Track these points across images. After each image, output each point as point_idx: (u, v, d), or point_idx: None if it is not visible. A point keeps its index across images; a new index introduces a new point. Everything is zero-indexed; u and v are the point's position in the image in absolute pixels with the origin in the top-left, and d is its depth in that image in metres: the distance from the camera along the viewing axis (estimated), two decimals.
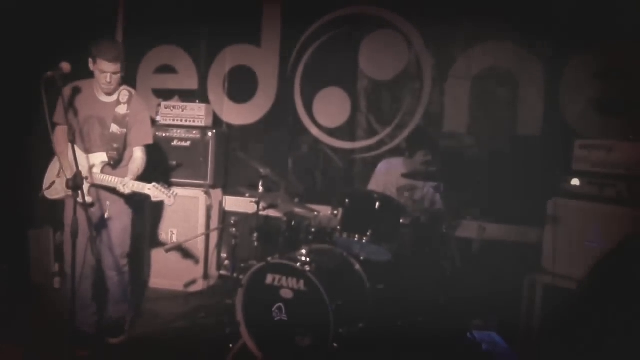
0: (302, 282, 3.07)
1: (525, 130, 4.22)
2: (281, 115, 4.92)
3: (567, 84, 4.09)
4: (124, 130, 3.23)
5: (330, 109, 4.77)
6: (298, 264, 3.12)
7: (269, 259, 3.22)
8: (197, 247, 4.54)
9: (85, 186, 3.10)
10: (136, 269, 3.76)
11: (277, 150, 4.94)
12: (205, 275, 4.61)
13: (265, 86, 4.96)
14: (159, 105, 4.82)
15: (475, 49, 4.31)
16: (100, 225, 3.29)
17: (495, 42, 4.25)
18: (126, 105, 3.24)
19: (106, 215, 3.28)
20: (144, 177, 3.18)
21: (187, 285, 4.54)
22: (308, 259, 3.20)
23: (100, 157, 3.20)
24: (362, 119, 4.69)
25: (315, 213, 3.78)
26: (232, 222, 3.90)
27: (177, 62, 5.20)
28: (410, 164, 3.91)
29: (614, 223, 3.21)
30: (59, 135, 3.20)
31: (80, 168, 2.64)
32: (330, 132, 4.78)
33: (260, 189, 3.65)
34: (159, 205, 4.43)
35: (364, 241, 3.33)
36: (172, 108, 4.78)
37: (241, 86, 5.04)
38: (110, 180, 3.10)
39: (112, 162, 3.23)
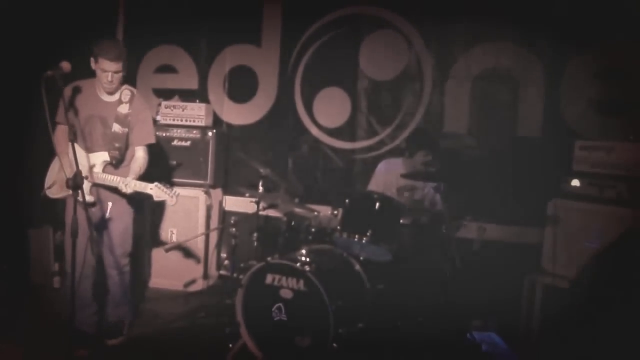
0: (302, 282, 3.07)
1: (525, 131, 4.22)
2: (281, 115, 4.92)
3: (568, 85, 4.09)
4: (126, 129, 3.23)
5: (330, 109, 4.77)
6: (298, 264, 3.12)
7: (269, 259, 3.22)
8: (197, 247, 4.54)
9: (87, 185, 3.11)
10: (136, 269, 3.76)
11: (277, 150, 4.94)
12: (205, 275, 4.61)
13: (266, 86, 4.96)
14: (159, 104, 4.82)
15: (475, 49, 4.31)
16: (102, 224, 3.29)
17: (496, 43, 4.26)
18: (128, 105, 3.24)
19: (107, 215, 3.28)
20: (145, 177, 3.18)
21: (187, 285, 4.54)
22: (308, 259, 3.20)
23: (102, 157, 3.20)
24: (362, 119, 4.69)
25: (315, 213, 3.78)
26: (232, 222, 3.90)
27: (177, 62, 5.20)
28: (411, 164, 3.91)
29: (614, 224, 3.21)
30: (60, 134, 3.20)
31: (80, 167, 2.64)
32: (331, 132, 4.78)
33: (260, 189, 3.65)
34: (159, 205, 4.44)
35: (363, 241, 3.33)
36: (172, 108, 4.78)
37: (241, 86, 5.04)
38: (112, 179, 3.10)
39: (114, 162, 3.23)
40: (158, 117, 4.75)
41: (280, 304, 3.11)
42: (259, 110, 5.00)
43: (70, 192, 2.64)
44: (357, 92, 4.67)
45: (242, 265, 3.70)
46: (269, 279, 3.17)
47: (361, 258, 3.45)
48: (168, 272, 4.57)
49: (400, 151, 4.34)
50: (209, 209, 4.64)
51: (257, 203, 3.71)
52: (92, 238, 2.54)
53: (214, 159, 4.70)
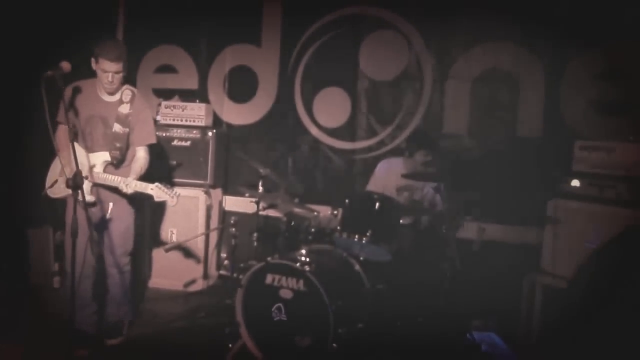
0: (301, 282, 3.07)
1: (525, 131, 4.22)
2: (281, 115, 4.92)
3: (568, 85, 4.09)
4: (127, 129, 3.23)
5: (330, 109, 4.77)
6: (298, 264, 3.12)
7: (269, 258, 3.22)
8: (197, 246, 4.54)
9: (87, 185, 3.11)
10: (136, 269, 3.76)
11: (277, 150, 4.94)
12: (205, 275, 4.62)
13: (266, 86, 4.96)
14: (159, 104, 4.81)
15: (475, 49, 4.30)
16: (103, 224, 3.30)
17: (496, 43, 4.25)
18: (129, 105, 3.24)
19: (108, 215, 3.28)
20: (145, 177, 3.18)
21: (187, 285, 4.54)
22: (308, 259, 3.20)
23: (103, 157, 3.21)
24: (362, 119, 4.69)
25: (315, 213, 3.78)
26: (232, 222, 3.90)
27: (177, 62, 5.20)
28: (410, 164, 3.91)
29: (614, 224, 3.20)
30: (61, 134, 3.20)
31: (80, 167, 2.64)
32: (331, 132, 4.78)
33: (260, 189, 3.65)
34: (159, 205, 4.44)
35: (363, 241, 3.33)
36: (172, 108, 4.78)
37: (241, 86, 5.04)
38: (113, 179, 3.10)
39: (114, 162, 3.24)
40: (158, 117, 4.75)
41: (280, 304, 3.11)
42: (259, 110, 5.00)
43: (71, 191, 2.64)
44: (357, 92, 4.67)
45: (242, 265, 3.70)
46: (268, 279, 3.17)
47: (361, 258, 3.45)
48: (168, 272, 4.57)
49: (400, 151, 4.34)
50: (209, 209, 4.64)
51: (257, 203, 3.71)
52: (92, 238, 2.54)
53: (214, 159, 4.70)
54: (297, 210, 3.79)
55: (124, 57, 3.10)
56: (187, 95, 4.99)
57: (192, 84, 5.16)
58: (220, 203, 4.93)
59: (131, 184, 3.02)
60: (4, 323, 3.50)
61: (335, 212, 3.73)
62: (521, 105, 4.22)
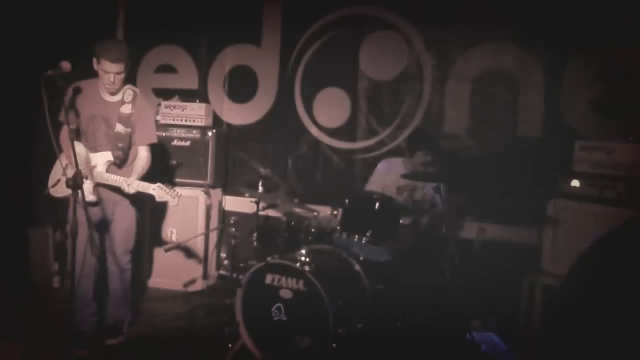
0: (301, 282, 3.07)
1: (525, 131, 4.22)
2: (281, 115, 4.92)
3: (567, 85, 4.09)
4: (129, 129, 3.24)
5: (330, 109, 4.77)
6: (297, 264, 3.12)
7: (269, 258, 3.21)
8: (197, 246, 4.54)
9: (89, 185, 3.11)
10: (136, 269, 3.76)
11: (277, 150, 4.94)
12: (205, 275, 4.61)
13: (266, 86, 4.96)
14: (159, 104, 4.82)
15: (475, 50, 4.30)
16: (105, 224, 3.31)
17: (496, 43, 4.25)
18: (130, 105, 3.24)
19: (110, 215, 3.30)
20: (145, 177, 3.18)
21: (187, 285, 4.54)
22: (307, 259, 3.20)
23: (105, 157, 3.21)
24: (362, 120, 4.69)
25: (315, 213, 3.78)
26: (232, 222, 3.90)
27: (177, 62, 5.20)
28: (410, 164, 3.91)
29: (614, 224, 3.20)
30: (64, 134, 3.20)
31: (81, 167, 2.64)
32: (330, 133, 4.78)
33: (260, 189, 3.65)
34: (159, 205, 4.42)
35: (363, 241, 3.33)
36: (172, 108, 4.78)
37: (241, 86, 5.04)
38: (115, 179, 3.11)
39: (117, 162, 3.24)
40: (158, 117, 4.75)
41: (280, 304, 3.11)
42: (259, 110, 5.00)
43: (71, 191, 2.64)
44: (357, 93, 4.67)
45: (241, 265, 3.70)
46: (268, 279, 3.16)
47: (361, 258, 3.45)
48: (168, 272, 4.57)
49: (400, 151, 4.34)
50: (208, 209, 4.64)
51: (257, 203, 3.71)
52: (92, 238, 2.54)
53: (214, 159, 4.70)
54: (297, 210, 3.79)
55: (125, 57, 3.10)
56: (187, 95, 4.99)
57: (192, 84, 5.16)
58: (220, 203, 4.92)
59: (133, 184, 3.03)
60: (4, 323, 3.50)
61: (335, 212, 3.73)
62: (521, 105, 4.22)
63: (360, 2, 4.62)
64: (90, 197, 3.13)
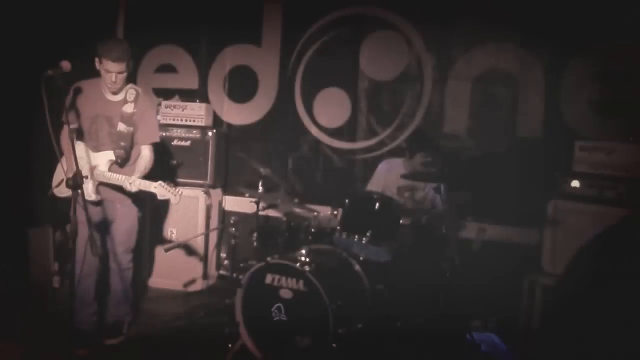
0: (301, 282, 3.07)
1: (525, 132, 4.22)
2: (281, 115, 4.92)
3: (568, 86, 4.09)
4: (131, 128, 3.24)
5: (330, 109, 4.77)
6: (297, 264, 3.11)
7: (269, 258, 3.21)
8: (197, 246, 4.54)
9: (91, 185, 3.12)
10: (136, 269, 3.76)
11: (277, 150, 4.94)
12: (205, 275, 4.61)
13: (266, 86, 4.96)
14: (159, 104, 4.82)
15: (475, 50, 4.31)
16: (107, 223, 3.31)
17: (496, 44, 4.25)
18: (133, 104, 3.24)
19: (113, 214, 3.30)
20: (146, 177, 3.18)
21: (187, 285, 4.54)
22: (307, 259, 3.20)
23: (107, 156, 3.21)
24: (363, 120, 4.69)
25: (315, 213, 3.78)
26: (232, 221, 3.90)
27: (177, 62, 5.20)
28: (410, 164, 3.91)
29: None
30: (65, 134, 3.20)
31: (81, 167, 2.64)
32: (331, 133, 4.78)
33: (260, 189, 3.65)
34: (159, 205, 4.43)
35: (363, 241, 3.33)
36: (172, 107, 4.78)
37: (241, 86, 5.04)
38: (117, 178, 3.11)
39: (119, 161, 3.24)
40: (158, 117, 4.74)
41: (280, 304, 3.11)
42: (259, 110, 5.00)
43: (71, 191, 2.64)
44: (357, 93, 4.67)
45: (241, 265, 3.70)
46: (268, 279, 3.16)
47: (361, 258, 3.45)
48: (168, 272, 4.57)
49: (401, 151, 4.34)
50: (208, 208, 4.64)
51: (257, 203, 3.71)
52: (93, 238, 2.54)
53: (214, 159, 4.70)
54: (297, 210, 3.79)
55: (126, 57, 3.10)
56: (187, 95, 4.99)
57: (192, 83, 5.16)
58: (220, 203, 4.92)
59: (135, 183, 3.03)
60: (4, 323, 3.50)
61: (335, 212, 3.73)
62: (521, 106, 4.22)
63: (361, 2, 4.62)
64: (92, 196, 3.13)
